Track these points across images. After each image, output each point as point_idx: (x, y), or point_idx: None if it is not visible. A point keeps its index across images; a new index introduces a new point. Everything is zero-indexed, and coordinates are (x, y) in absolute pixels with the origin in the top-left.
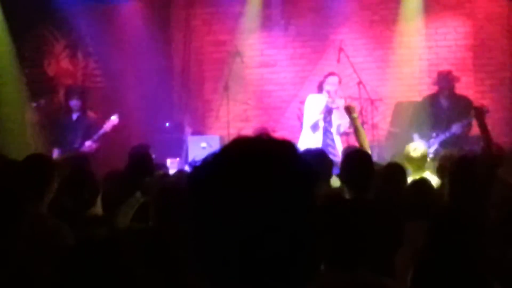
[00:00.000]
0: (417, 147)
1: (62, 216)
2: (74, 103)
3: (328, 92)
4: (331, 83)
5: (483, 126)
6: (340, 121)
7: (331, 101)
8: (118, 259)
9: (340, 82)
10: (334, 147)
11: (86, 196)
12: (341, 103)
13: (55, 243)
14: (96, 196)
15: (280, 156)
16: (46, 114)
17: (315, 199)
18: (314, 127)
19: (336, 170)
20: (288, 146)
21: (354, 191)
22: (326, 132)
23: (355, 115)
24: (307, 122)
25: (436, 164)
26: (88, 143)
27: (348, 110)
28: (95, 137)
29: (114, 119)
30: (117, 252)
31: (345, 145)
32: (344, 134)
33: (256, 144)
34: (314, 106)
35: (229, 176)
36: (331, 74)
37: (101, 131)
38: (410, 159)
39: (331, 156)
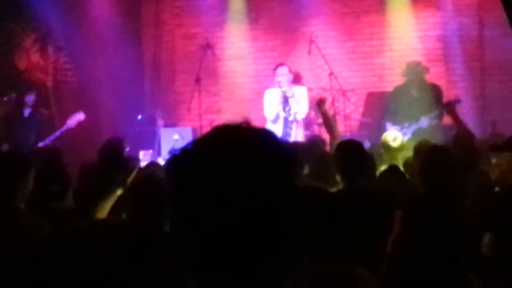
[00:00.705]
0: (397, 137)
1: (33, 208)
2: (29, 98)
3: (279, 83)
4: (280, 74)
5: (457, 120)
6: (296, 108)
7: (284, 91)
8: (92, 252)
9: (290, 70)
10: (290, 136)
11: (56, 188)
12: (297, 90)
13: (33, 237)
14: (67, 189)
15: (259, 142)
16: (16, 109)
17: (295, 185)
18: (275, 119)
19: None
20: (267, 133)
21: (348, 180)
22: (286, 121)
23: (324, 109)
24: (268, 116)
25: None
26: (47, 141)
27: (319, 104)
28: (57, 133)
29: (79, 115)
30: (91, 245)
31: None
32: (317, 125)
33: (235, 131)
34: (271, 99)
35: (209, 164)
36: (279, 65)
37: (64, 127)
38: (388, 148)
39: None
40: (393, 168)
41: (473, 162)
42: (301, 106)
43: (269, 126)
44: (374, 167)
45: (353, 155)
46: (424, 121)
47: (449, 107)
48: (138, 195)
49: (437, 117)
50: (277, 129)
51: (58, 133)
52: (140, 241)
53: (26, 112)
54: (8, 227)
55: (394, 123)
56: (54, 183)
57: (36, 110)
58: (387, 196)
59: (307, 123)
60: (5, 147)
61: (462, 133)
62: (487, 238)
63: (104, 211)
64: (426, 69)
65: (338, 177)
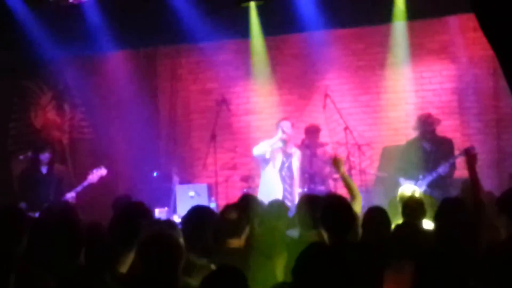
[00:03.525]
0: (415, 191)
1: (46, 267)
2: (45, 156)
3: (283, 131)
4: (285, 127)
5: (472, 171)
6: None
7: (285, 139)
8: None
9: (293, 126)
10: (291, 193)
11: (70, 247)
12: (295, 151)
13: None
14: (80, 247)
15: None
16: (33, 167)
17: None
18: (263, 157)
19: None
20: None
21: (335, 236)
22: (284, 178)
23: (342, 169)
24: (255, 150)
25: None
26: (70, 195)
27: (335, 165)
28: (79, 188)
29: (101, 170)
30: None
31: (333, 191)
32: (332, 180)
33: None
34: (268, 140)
35: None
36: (284, 119)
37: (86, 182)
38: None
39: (287, 202)
40: (407, 223)
41: (480, 214)
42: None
43: (266, 179)
44: (389, 223)
45: (338, 212)
46: (443, 169)
47: (470, 157)
48: (152, 252)
49: (453, 165)
50: (277, 187)
51: (79, 188)
52: None
53: (44, 169)
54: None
55: (407, 177)
56: (67, 241)
57: (52, 167)
58: (373, 253)
59: (323, 178)
60: (22, 205)
61: (469, 185)
62: None
63: (125, 265)
64: (438, 121)
65: (324, 233)
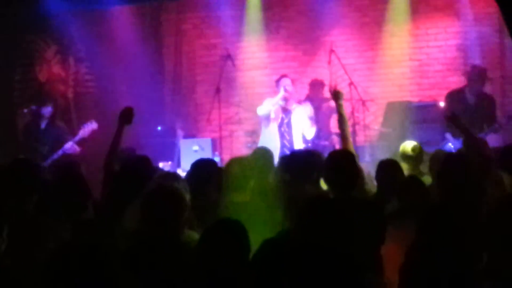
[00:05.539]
0: (415, 145)
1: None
2: (46, 110)
3: (284, 87)
4: (285, 84)
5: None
6: (297, 126)
7: (286, 96)
8: (101, 265)
9: (293, 83)
10: (290, 149)
11: (76, 200)
12: (298, 108)
13: (47, 239)
14: (86, 201)
15: None
16: (34, 120)
17: None
18: (267, 117)
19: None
20: None
21: (339, 191)
22: (283, 134)
23: (341, 102)
24: (259, 110)
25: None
26: (69, 144)
27: (336, 95)
28: (76, 138)
29: (92, 124)
30: (100, 257)
31: (337, 147)
32: (336, 135)
33: None
34: (269, 99)
35: None
36: (283, 76)
37: (78, 137)
38: (407, 157)
39: None
40: (413, 178)
41: (488, 169)
42: (305, 126)
43: (265, 132)
44: (400, 171)
45: (341, 166)
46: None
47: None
48: (154, 205)
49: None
50: (275, 141)
51: (69, 144)
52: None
53: (43, 124)
54: (19, 230)
55: (455, 131)
56: (73, 196)
57: (53, 122)
58: (377, 208)
59: (327, 133)
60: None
61: (473, 141)
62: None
63: (134, 218)
64: (488, 78)
65: (328, 187)
